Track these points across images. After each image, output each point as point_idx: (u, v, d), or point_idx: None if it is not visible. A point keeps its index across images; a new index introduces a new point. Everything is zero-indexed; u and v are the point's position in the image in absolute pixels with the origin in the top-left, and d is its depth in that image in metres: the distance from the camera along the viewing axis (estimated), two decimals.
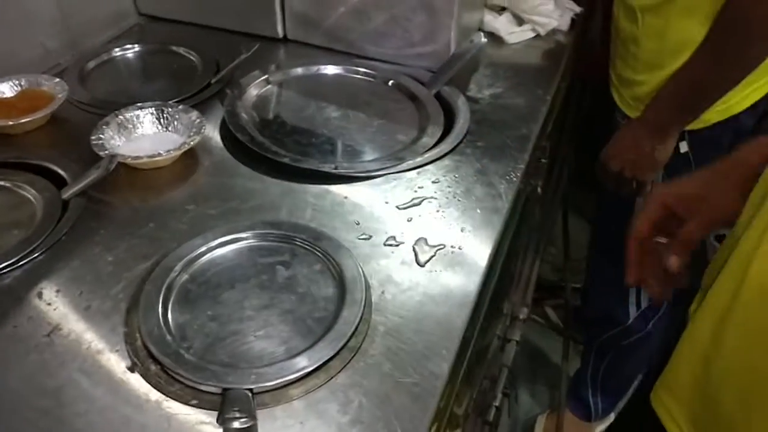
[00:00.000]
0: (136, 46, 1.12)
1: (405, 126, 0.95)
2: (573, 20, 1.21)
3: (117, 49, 1.11)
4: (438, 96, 0.99)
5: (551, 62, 1.14)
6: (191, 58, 1.09)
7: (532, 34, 1.16)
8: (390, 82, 1.03)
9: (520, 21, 1.16)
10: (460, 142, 0.91)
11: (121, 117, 0.88)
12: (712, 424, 0.56)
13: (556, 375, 1.76)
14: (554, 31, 1.19)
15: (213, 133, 0.92)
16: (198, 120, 0.88)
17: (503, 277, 0.99)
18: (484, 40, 1.01)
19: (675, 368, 0.61)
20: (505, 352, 1.29)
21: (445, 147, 0.90)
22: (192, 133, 0.86)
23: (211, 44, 1.12)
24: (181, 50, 1.10)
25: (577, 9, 1.22)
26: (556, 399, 1.71)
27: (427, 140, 0.91)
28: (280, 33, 1.14)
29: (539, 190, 1.04)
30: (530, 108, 0.99)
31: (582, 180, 1.82)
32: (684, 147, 1.09)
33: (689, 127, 1.06)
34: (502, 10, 1.18)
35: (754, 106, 1.06)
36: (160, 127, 0.90)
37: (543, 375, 1.81)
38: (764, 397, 0.50)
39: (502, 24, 1.14)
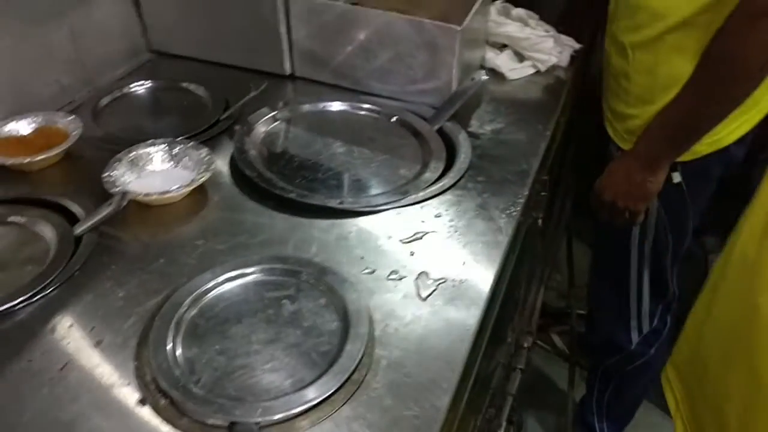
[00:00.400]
0: (148, 82, 1.15)
1: (408, 161, 0.97)
2: (573, 57, 1.24)
3: (129, 86, 1.14)
4: (440, 131, 1.02)
5: (551, 98, 1.17)
6: (201, 94, 1.12)
7: (533, 70, 1.19)
8: (394, 119, 1.05)
9: (521, 58, 1.19)
10: (462, 177, 0.93)
11: (132, 154, 0.91)
12: (699, 386, 0.62)
13: (563, 401, 1.77)
14: (554, 67, 1.22)
15: (223, 168, 0.95)
16: (207, 157, 0.90)
17: (505, 308, 1.00)
18: (485, 77, 1.04)
19: (679, 344, 0.67)
20: (510, 380, 1.30)
21: (447, 182, 0.92)
22: (202, 170, 0.89)
23: (220, 81, 1.15)
24: (192, 87, 1.14)
25: (577, 46, 1.25)
26: (562, 425, 1.71)
27: (430, 175, 0.93)
28: (288, 70, 1.17)
29: (540, 222, 1.06)
30: (530, 143, 1.02)
31: (585, 208, 1.84)
32: (677, 177, 1.11)
33: (681, 159, 1.09)
34: (503, 47, 1.22)
35: (743, 138, 1.09)
36: (170, 163, 0.92)
37: (549, 401, 1.81)
38: (741, 354, 0.55)
39: (503, 61, 1.17)
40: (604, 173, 1.19)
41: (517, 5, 1.32)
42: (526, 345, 1.37)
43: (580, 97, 1.52)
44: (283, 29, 1.12)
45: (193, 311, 0.72)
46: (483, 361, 0.83)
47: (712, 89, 1.00)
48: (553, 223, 1.77)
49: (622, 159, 1.17)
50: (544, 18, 1.32)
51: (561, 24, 1.34)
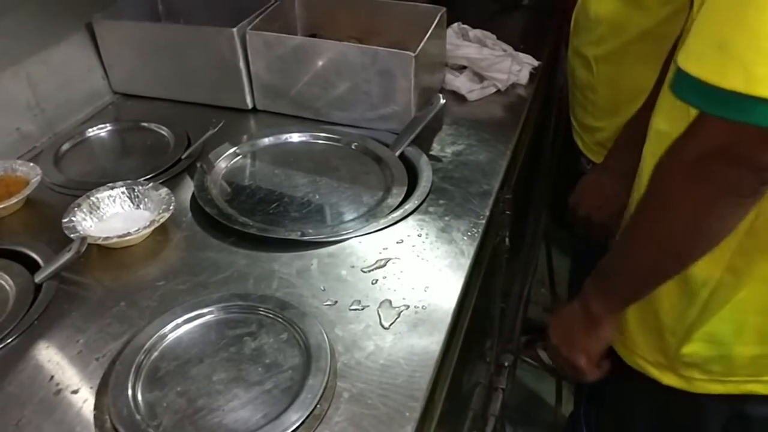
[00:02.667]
0: (110, 124, 1.16)
1: (371, 188, 0.97)
2: (532, 74, 1.25)
3: (91, 129, 1.14)
4: (402, 156, 1.03)
5: (512, 116, 1.18)
6: (163, 133, 1.12)
7: (493, 90, 1.20)
8: (355, 146, 1.06)
9: (480, 78, 1.21)
10: (423, 201, 0.94)
11: (92, 198, 0.91)
12: None
13: (552, 417, 1.76)
14: (514, 86, 1.23)
15: (184, 207, 0.95)
16: (167, 197, 0.90)
17: (476, 329, 1.00)
18: (442, 101, 1.05)
19: None
20: (491, 400, 1.30)
21: (409, 207, 0.92)
22: (161, 210, 0.88)
23: (183, 119, 1.16)
24: (154, 126, 1.14)
25: (535, 63, 1.27)
26: None
27: (392, 201, 0.94)
28: (249, 104, 1.18)
29: (507, 241, 1.06)
30: (491, 163, 1.03)
31: (562, 219, 1.86)
32: None
33: None
34: (462, 68, 1.23)
35: None
36: (131, 205, 0.92)
37: (538, 418, 1.80)
38: None
39: (462, 82, 1.18)
40: (577, 188, 1.20)
41: (476, 26, 1.34)
42: (507, 364, 1.37)
43: (547, 111, 1.54)
44: (241, 64, 1.13)
45: (154, 354, 0.72)
46: (453, 384, 0.82)
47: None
48: (529, 238, 1.78)
49: (593, 173, 1.18)
50: (505, 37, 1.34)
51: (522, 41, 1.36)
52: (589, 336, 0.87)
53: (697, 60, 0.58)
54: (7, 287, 0.81)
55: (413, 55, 1.02)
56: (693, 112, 0.65)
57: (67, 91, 1.17)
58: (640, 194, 0.80)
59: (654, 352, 0.86)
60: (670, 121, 0.76)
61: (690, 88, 0.59)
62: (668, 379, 0.86)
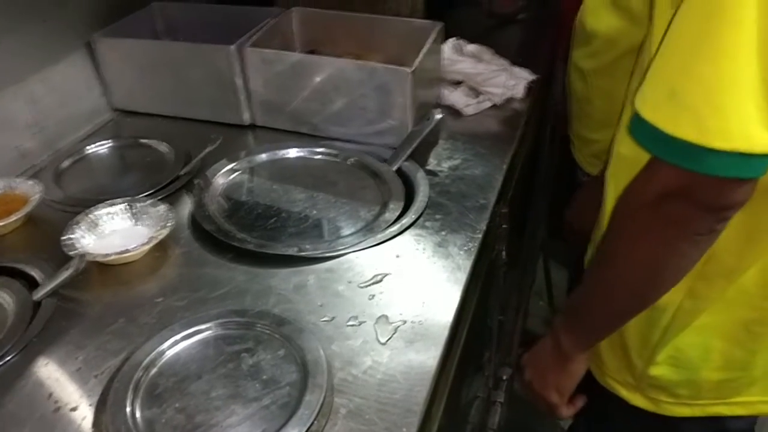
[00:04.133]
0: (109, 141, 1.16)
1: (368, 203, 0.98)
2: (528, 88, 1.26)
3: (91, 146, 1.15)
4: (399, 171, 1.03)
5: (508, 130, 1.19)
6: (163, 150, 1.13)
7: (489, 105, 1.21)
8: (353, 161, 1.07)
9: (476, 93, 1.22)
10: (420, 216, 0.94)
11: (91, 215, 0.91)
12: None
13: (551, 431, 1.75)
14: (510, 100, 1.24)
15: (183, 223, 0.95)
16: (166, 213, 0.91)
17: (474, 343, 1.01)
18: (438, 116, 1.06)
19: None
20: (490, 415, 1.30)
21: (405, 221, 0.93)
22: (160, 227, 0.89)
23: (181, 135, 1.16)
24: (153, 143, 1.15)
25: (531, 77, 1.28)
26: None
27: (389, 216, 0.94)
28: (248, 120, 1.19)
29: (503, 254, 1.07)
30: (487, 178, 1.03)
31: (559, 232, 1.86)
32: None
33: None
34: (458, 83, 1.24)
35: None
36: (130, 222, 0.93)
37: (537, 431, 1.79)
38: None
39: (458, 97, 1.19)
40: (573, 203, 1.21)
41: (472, 41, 1.35)
42: (505, 377, 1.37)
43: (544, 124, 1.55)
44: (239, 81, 1.14)
45: (152, 371, 0.72)
46: (451, 399, 0.83)
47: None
48: (526, 250, 1.78)
49: (589, 187, 1.18)
50: (502, 51, 1.35)
51: (519, 55, 1.37)
52: (559, 372, 0.87)
53: (651, 106, 0.59)
54: (6, 305, 0.81)
55: (410, 71, 1.03)
56: None
57: (67, 109, 1.18)
58: (603, 224, 0.81)
59: (622, 371, 0.87)
60: (630, 146, 0.77)
61: (645, 131, 0.59)
62: (637, 401, 0.87)
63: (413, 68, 1.03)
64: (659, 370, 0.82)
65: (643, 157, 0.65)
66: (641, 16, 1.07)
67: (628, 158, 0.75)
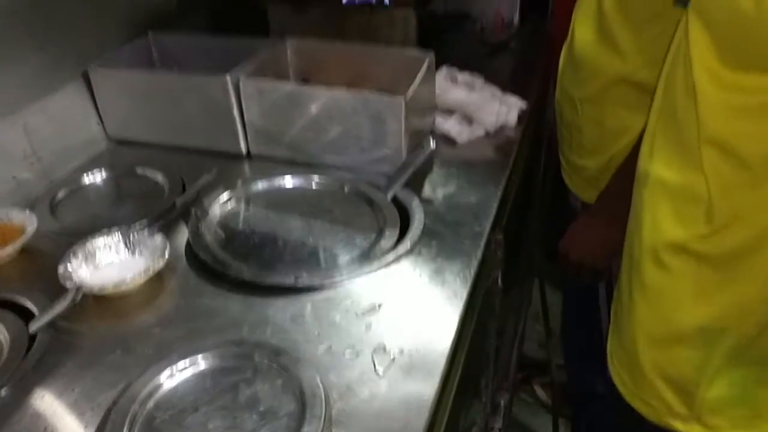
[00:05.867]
0: (105, 171, 1.17)
1: (364, 230, 0.99)
2: (520, 116, 1.28)
3: (87, 175, 1.15)
4: (394, 199, 1.04)
5: (501, 157, 1.20)
6: (158, 179, 1.14)
7: (482, 132, 1.23)
8: (348, 189, 1.08)
9: (469, 121, 1.23)
10: (415, 244, 0.95)
11: (87, 246, 0.91)
12: None
13: None
14: (503, 127, 1.25)
15: (179, 253, 0.95)
16: (162, 243, 0.91)
17: (471, 370, 1.01)
18: (432, 146, 1.07)
19: None
20: None
21: (401, 249, 0.93)
22: (157, 258, 0.89)
23: (177, 164, 1.17)
24: (148, 172, 1.15)
25: (523, 104, 1.29)
26: None
27: (385, 243, 0.95)
28: (243, 149, 1.20)
29: (499, 281, 1.07)
30: (482, 205, 1.04)
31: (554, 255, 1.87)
32: None
33: None
34: (451, 111, 1.25)
35: None
36: (126, 253, 0.93)
37: None
38: None
39: (452, 126, 1.21)
40: (567, 232, 1.22)
41: (464, 68, 1.37)
42: (503, 403, 1.36)
43: (537, 149, 1.56)
44: (235, 110, 1.15)
45: (149, 403, 0.72)
46: (449, 427, 0.82)
47: None
48: (522, 274, 1.79)
49: (584, 217, 1.19)
50: (494, 78, 1.37)
51: (511, 82, 1.39)
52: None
53: None
54: (2, 337, 0.81)
55: (403, 100, 1.04)
56: (706, 157, 0.71)
57: (63, 139, 1.19)
58: (632, 256, 0.83)
59: (678, 405, 0.87)
60: (670, 167, 0.78)
61: None
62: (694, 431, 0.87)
63: (407, 97, 1.05)
64: (715, 391, 0.82)
65: (696, 182, 0.69)
66: (627, 50, 1.09)
67: (670, 184, 0.78)
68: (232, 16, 1.50)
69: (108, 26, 1.30)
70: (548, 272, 2.08)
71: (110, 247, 0.93)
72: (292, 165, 1.16)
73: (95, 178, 1.16)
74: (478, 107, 1.21)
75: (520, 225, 1.50)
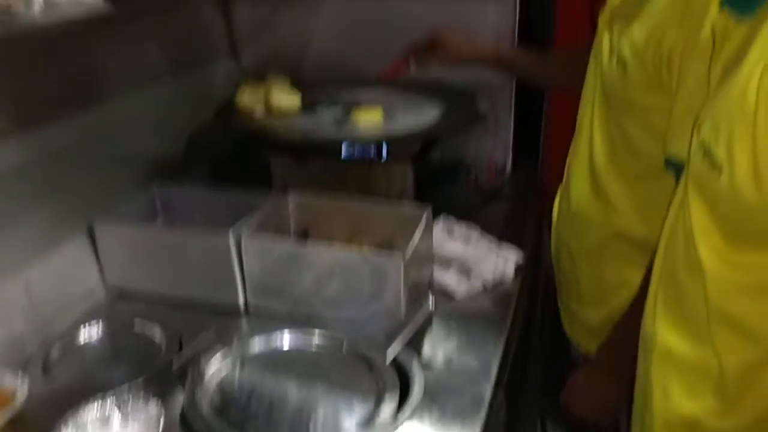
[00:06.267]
0: (102, 324, 1.16)
1: (362, 394, 0.97)
2: (517, 269, 1.29)
3: (83, 329, 1.14)
4: (394, 360, 1.03)
5: (500, 311, 1.20)
6: (155, 335, 1.12)
7: (480, 286, 1.23)
8: (347, 349, 1.06)
9: (467, 274, 1.24)
10: (416, 409, 0.93)
11: (78, 418, 0.89)
12: None
13: None
14: (501, 281, 1.26)
15: (174, 420, 0.93)
16: (157, 412, 0.89)
17: None
18: (431, 307, 1.08)
19: None
20: None
21: (401, 419, 0.91)
22: (151, 428, 0.87)
23: (175, 318, 1.16)
24: (146, 327, 1.14)
25: (521, 257, 1.31)
26: None
27: (385, 409, 0.93)
28: (242, 304, 1.20)
29: None
30: (483, 366, 1.03)
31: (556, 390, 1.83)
32: None
33: None
34: (448, 263, 1.27)
35: None
36: (119, 424, 0.90)
37: None
38: None
39: (450, 280, 1.22)
40: (568, 386, 1.19)
41: (460, 217, 1.40)
42: None
43: (535, 297, 1.56)
44: (236, 266, 1.16)
45: None
46: None
47: None
48: (524, 417, 1.73)
49: (585, 372, 1.17)
50: (489, 226, 1.40)
51: (505, 230, 1.42)
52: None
53: None
54: None
55: (403, 259, 1.06)
56: (716, 333, 0.71)
57: (63, 293, 1.19)
58: (646, 420, 0.81)
59: None
60: (676, 334, 0.78)
61: None
62: None
63: (406, 256, 1.06)
64: None
65: (706, 357, 0.70)
66: (622, 206, 1.12)
67: (679, 356, 0.77)
68: (235, 167, 1.55)
69: (115, 180, 1.33)
70: (550, 409, 2.02)
71: (103, 422, 0.90)
72: (291, 320, 1.15)
73: (92, 332, 1.15)
74: (476, 261, 1.23)
75: (521, 376, 1.47)
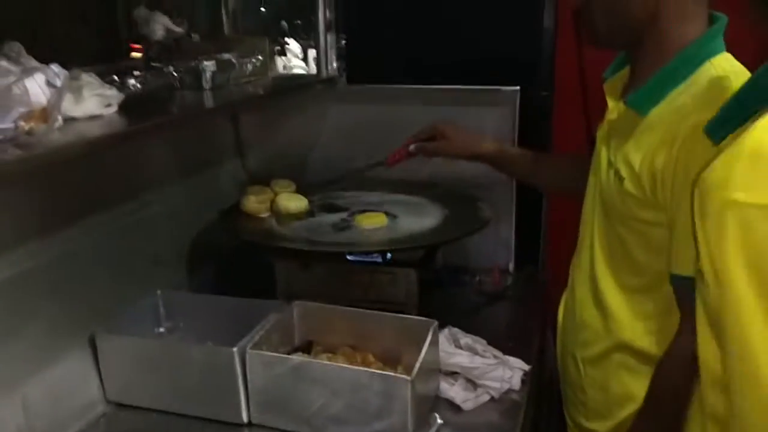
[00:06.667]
0: None
1: None
2: (523, 379, 1.28)
3: None
4: None
5: (508, 422, 1.18)
6: None
7: (487, 398, 1.21)
8: None
9: (474, 386, 1.22)
10: None
11: None
12: None
13: None
14: (508, 391, 1.24)
15: None
16: None
17: None
18: (439, 422, 1.06)
19: None
20: None
21: None
22: None
23: None
24: None
25: (526, 367, 1.30)
26: None
27: None
28: (245, 419, 1.17)
29: None
30: None
31: None
32: None
33: None
34: (455, 375, 1.25)
35: None
36: None
37: None
38: None
39: (456, 392, 1.20)
40: None
41: (463, 318, 1.39)
42: None
43: (541, 404, 1.53)
44: (239, 381, 1.14)
45: None
46: None
47: (663, 421, 1.01)
48: None
49: None
50: (493, 331, 1.39)
51: (510, 334, 1.41)
52: None
53: None
54: None
55: (409, 379, 1.04)
56: None
57: (61, 407, 1.15)
58: None
59: None
60: None
61: None
62: None
63: (413, 376, 1.05)
64: None
65: None
66: (621, 318, 1.12)
67: None
68: (239, 271, 1.55)
69: (119, 287, 1.32)
70: None
71: None
72: None
73: None
74: (482, 373, 1.21)
75: None
